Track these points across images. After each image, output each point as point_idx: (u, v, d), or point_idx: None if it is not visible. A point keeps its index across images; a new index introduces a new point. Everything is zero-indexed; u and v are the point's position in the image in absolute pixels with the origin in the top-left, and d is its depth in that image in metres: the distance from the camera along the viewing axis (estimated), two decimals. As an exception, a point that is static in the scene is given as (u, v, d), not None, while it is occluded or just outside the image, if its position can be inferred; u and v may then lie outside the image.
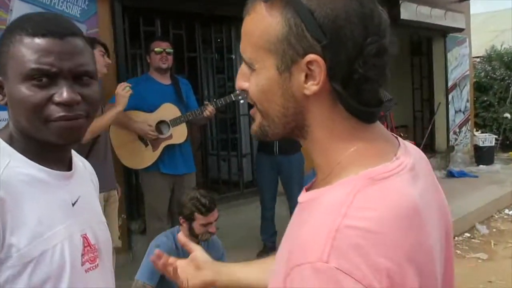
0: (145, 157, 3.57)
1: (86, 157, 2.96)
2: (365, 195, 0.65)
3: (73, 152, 1.14)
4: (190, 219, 2.65)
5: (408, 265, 0.63)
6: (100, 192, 3.09)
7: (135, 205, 4.50)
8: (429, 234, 0.69)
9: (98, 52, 3.13)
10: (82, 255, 1.02)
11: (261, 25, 0.71)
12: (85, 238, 1.03)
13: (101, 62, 3.14)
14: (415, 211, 0.67)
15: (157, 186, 3.61)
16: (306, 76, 0.69)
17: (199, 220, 2.63)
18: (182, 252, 2.73)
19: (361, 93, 0.69)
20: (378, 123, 0.75)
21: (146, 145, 3.57)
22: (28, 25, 0.97)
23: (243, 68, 0.76)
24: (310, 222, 0.66)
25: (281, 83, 0.71)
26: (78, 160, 1.16)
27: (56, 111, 0.96)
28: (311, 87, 0.69)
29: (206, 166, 5.49)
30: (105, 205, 3.13)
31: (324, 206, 0.66)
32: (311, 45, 0.67)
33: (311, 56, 0.67)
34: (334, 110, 0.71)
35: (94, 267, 1.04)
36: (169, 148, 3.60)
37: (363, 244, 0.61)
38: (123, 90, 3.14)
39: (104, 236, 1.11)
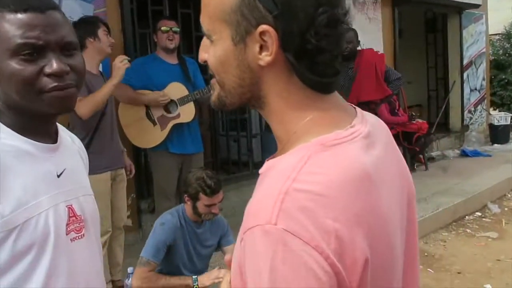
0: (153, 136, 3.59)
1: (92, 136, 3.03)
2: (315, 160, 0.67)
3: (62, 127, 1.17)
4: (194, 198, 2.67)
5: (357, 227, 0.64)
6: (106, 171, 3.16)
7: (144, 185, 4.55)
8: (383, 200, 0.70)
9: (102, 31, 3.12)
10: (67, 224, 1.05)
11: None
12: (70, 208, 1.06)
13: (106, 41, 3.14)
14: (365, 176, 0.68)
15: (166, 165, 3.63)
16: (261, 47, 0.70)
17: (203, 200, 2.66)
18: (187, 230, 2.77)
19: (315, 64, 0.70)
20: (335, 93, 0.76)
21: (154, 124, 3.59)
22: (9, 1, 0.99)
23: (204, 40, 0.77)
24: (262, 188, 0.68)
25: (237, 54, 0.72)
26: (66, 135, 1.19)
27: (48, 83, 0.99)
28: (265, 57, 0.70)
29: (215, 147, 5.51)
30: (113, 183, 3.16)
31: (276, 172, 0.68)
32: (263, 16, 0.68)
33: (263, 27, 0.68)
34: (290, 81, 0.72)
35: (80, 237, 1.08)
36: (178, 127, 3.61)
37: (311, 207, 0.63)
38: (121, 62, 3.08)
39: (90, 208, 1.14)
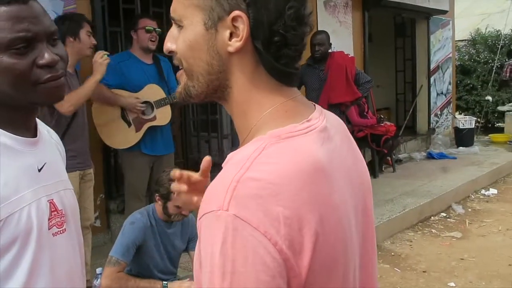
0: (128, 137, 3.56)
1: (63, 136, 2.99)
2: (269, 151, 0.70)
3: (39, 121, 1.17)
4: (166, 198, 2.67)
5: (307, 215, 0.67)
6: (76, 170, 3.12)
7: (114, 185, 4.50)
8: (336, 191, 0.73)
9: (85, 32, 3.07)
10: (49, 219, 1.05)
11: None
12: (51, 203, 1.06)
13: (87, 43, 3.09)
14: (317, 167, 0.71)
15: (138, 165, 3.61)
16: (231, 35, 0.73)
17: (175, 201, 2.66)
18: (157, 230, 2.76)
19: (280, 57, 0.73)
20: (295, 88, 0.80)
21: (129, 125, 3.55)
22: None
23: (171, 31, 0.79)
24: (217, 177, 0.71)
25: (207, 39, 0.74)
26: (43, 128, 1.18)
27: (43, 74, 1.00)
28: (235, 43, 0.73)
29: (186, 147, 5.49)
30: (81, 182, 3.14)
31: (232, 162, 0.71)
32: (237, 2, 0.71)
33: (236, 12, 0.71)
34: (255, 71, 0.75)
35: (61, 232, 1.08)
36: (151, 129, 3.58)
37: (262, 194, 0.65)
38: (101, 58, 3.06)
39: (70, 202, 1.14)
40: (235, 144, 4.87)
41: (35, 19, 0.99)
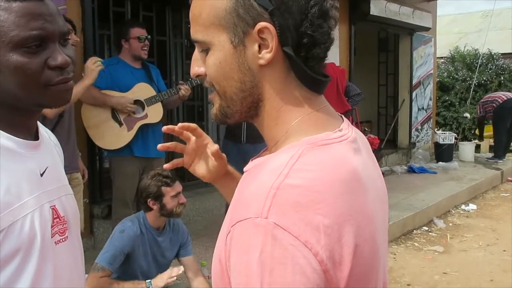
0: (120, 137, 3.51)
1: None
2: (307, 158, 0.68)
3: (39, 123, 1.11)
4: (159, 196, 2.65)
5: (346, 225, 0.65)
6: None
7: (98, 190, 4.41)
8: (369, 202, 0.72)
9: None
10: (52, 226, 0.99)
11: (207, 3, 0.73)
12: (54, 209, 1.01)
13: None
14: (354, 176, 0.70)
15: (128, 170, 3.56)
16: (260, 47, 0.71)
17: (169, 193, 2.65)
18: (147, 237, 2.71)
19: (311, 59, 0.72)
20: (324, 98, 0.79)
21: (121, 125, 3.50)
22: None
23: (195, 54, 0.77)
24: (254, 182, 0.68)
25: (237, 56, 0.72)
26: (43, 130, 1.12)
27: (54, 76, 0.95)
28: (265, 55, 0.71)
29: (172, 153, 5.43)
30: (68, 187, 3.07)
31: (268, 169, 0.69)
32: (259, 13, 0.70)
33: (261, 24, 0.69)
34: (286, 80, 0.74)
35: (63, 240, 1.02)
36: (143, 129, 3.56)
37: (303, 202, 0.63)
38: (94, 64, 3.05)
39: (72, 208, 1.09)
40: (221, 151, 4.84)
41: (50, 17, 0.93)
